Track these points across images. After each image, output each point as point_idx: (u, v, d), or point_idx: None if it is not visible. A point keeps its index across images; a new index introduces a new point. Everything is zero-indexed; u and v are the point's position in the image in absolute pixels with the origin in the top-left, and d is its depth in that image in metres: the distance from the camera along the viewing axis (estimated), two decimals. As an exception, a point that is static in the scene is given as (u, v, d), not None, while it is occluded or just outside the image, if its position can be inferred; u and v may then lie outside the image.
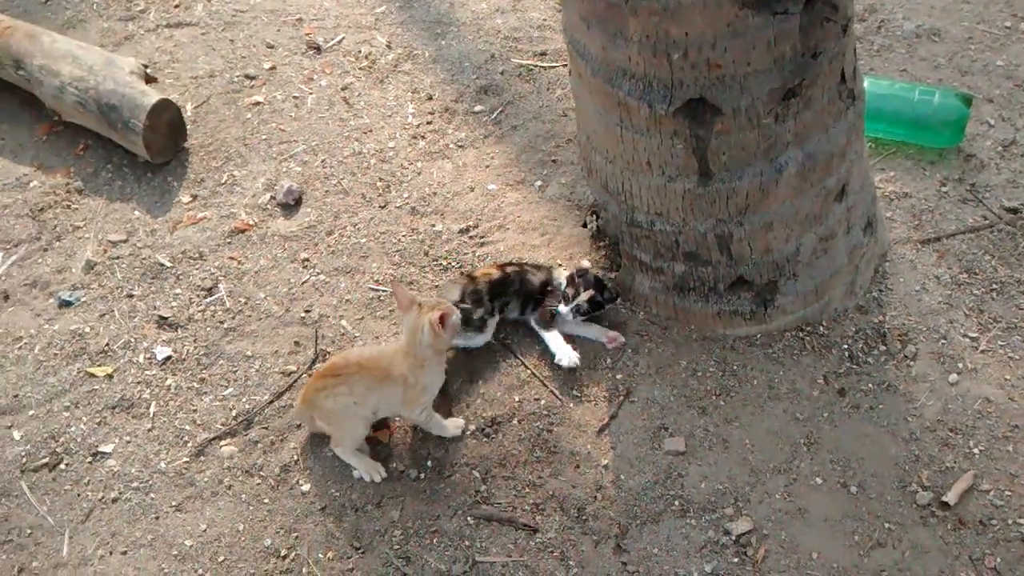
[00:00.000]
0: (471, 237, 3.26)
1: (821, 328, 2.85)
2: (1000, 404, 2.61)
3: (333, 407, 2.58)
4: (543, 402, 2.77)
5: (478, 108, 3.76)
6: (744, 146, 2.48)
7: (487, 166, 3.52)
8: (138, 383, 2.96)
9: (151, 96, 3.54)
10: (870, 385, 2.71)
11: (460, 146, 3.62)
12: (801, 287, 2.78)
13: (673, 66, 2.35)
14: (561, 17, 2.82)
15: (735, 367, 2.79)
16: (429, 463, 2.67)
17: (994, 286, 2.88)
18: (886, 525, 2.41)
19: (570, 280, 2.86)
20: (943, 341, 2.77)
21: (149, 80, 3.84)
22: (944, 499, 2.42)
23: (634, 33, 2.34)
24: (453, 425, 2.71)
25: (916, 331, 2.81)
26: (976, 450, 2.53)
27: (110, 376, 2.99)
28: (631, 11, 2.30)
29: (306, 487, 2.66)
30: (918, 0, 3.89)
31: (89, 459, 2.78)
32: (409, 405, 2.59)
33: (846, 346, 2.80)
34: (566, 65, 3.89)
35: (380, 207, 3.43)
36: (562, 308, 2.81)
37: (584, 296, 2.79)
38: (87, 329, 3.12)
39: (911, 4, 3.88)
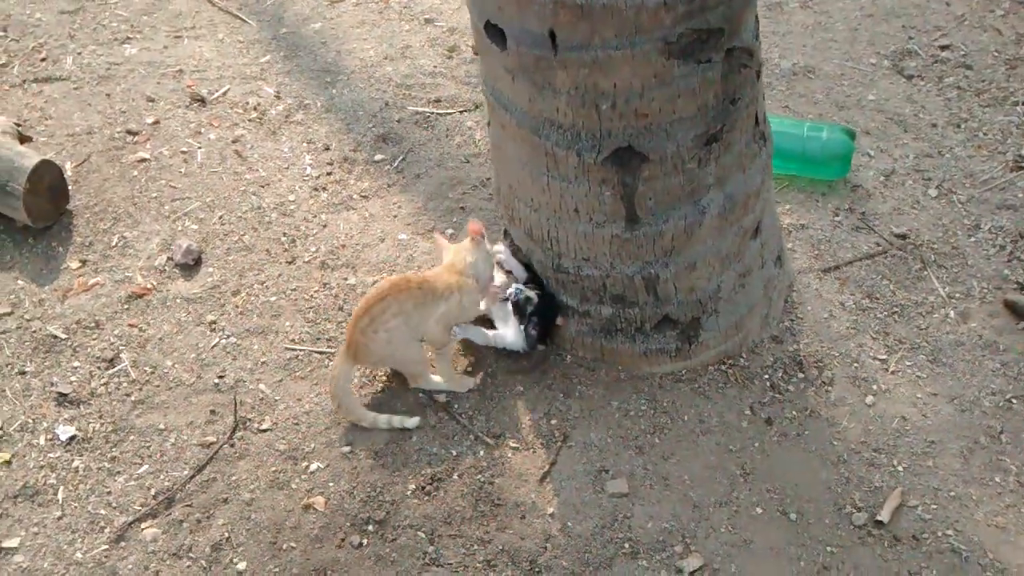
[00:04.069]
0: (387, 289, 3.19)
1: (742, 360, 2.94)
2: (915, 422, 2.76)
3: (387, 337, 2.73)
4: (481, 453, 2.74)
5: (379, 157, 3.71)
6: (669, 191, 2.54)
7: (395, 216, 3.47)
8: (41, 467, 2.74)
9: (31, 158, 3.31)
10: (794, 412, 2.81)
11: (364, 196, 3.56)
12: (722, 322, 2.86)
13: (602, 116, 2.39)
14: (480, 69, 2.83)
15: (665, 404, 2.84)
16: (370, 527, 2.58)
17: (895, 309, 3.05)
18: (828, 549, 2.49)
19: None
20: (856, 365, 2.91)
21: (24, 140, 3.60)
22: (878, 518, 2.53)
23: (562, 85, 2.37)
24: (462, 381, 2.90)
25: (830, 357, 2.94)
26: (900, 468, 2.66)
27: (8, 462, 2.75)
28: (560, 64, 2.33)
29: (241, 565, 2.51)
30: (791, 39, 4.12)
31: (-6, 558, 2.55)
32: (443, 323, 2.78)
33: (767, 376, 2.90)
34: (463, 111, 3.90)
35: (287, 263, 3.32)
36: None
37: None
38: (-23, 414, 2.87)
39: (785, 43, 4.11)
